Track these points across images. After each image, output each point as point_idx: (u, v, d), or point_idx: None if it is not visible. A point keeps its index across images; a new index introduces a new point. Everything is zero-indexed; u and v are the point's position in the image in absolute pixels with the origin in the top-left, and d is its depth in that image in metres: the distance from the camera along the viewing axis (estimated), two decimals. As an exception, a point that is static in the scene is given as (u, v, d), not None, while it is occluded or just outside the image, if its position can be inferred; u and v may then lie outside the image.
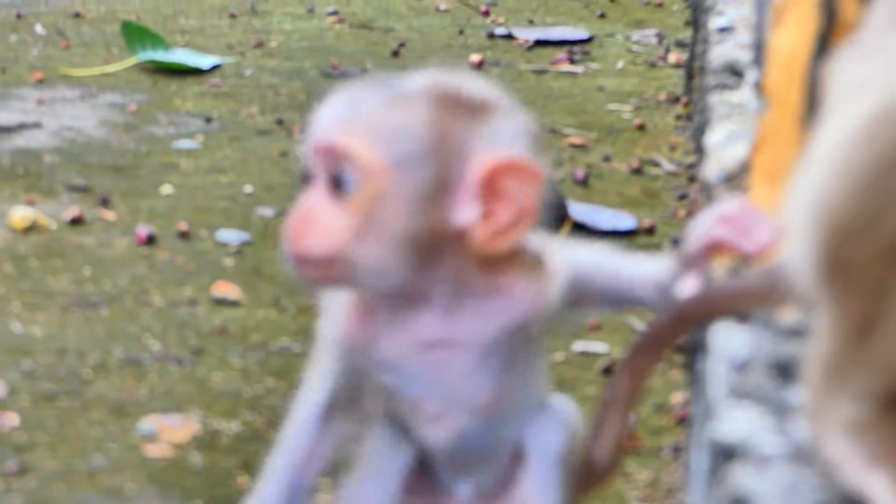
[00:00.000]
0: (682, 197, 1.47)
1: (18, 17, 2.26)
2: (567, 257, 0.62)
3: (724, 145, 1.07)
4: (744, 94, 1.27)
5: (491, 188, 0.54)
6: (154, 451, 0.91)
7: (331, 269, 0.56)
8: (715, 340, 0.62)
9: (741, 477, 0.45)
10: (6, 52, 2.05)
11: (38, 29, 2.18)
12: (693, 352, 0.75)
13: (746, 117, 1.12)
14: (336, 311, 0.62)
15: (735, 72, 1.38)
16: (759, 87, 1.05)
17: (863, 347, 0.40)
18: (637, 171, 1.56)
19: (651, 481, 0.84)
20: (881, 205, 0.37)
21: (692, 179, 1.44)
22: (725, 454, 0.48)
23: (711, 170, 1.01)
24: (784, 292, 0.47)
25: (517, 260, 0.58)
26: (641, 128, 1.75)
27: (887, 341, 0.39)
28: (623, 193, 1.48)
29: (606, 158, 1.61)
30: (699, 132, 1.44)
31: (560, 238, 1.17)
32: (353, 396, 0.63)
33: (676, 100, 1.90)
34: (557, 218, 1.31)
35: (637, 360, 0.62)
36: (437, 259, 0.56)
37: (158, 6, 2.39)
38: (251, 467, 0.74)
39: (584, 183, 1.51)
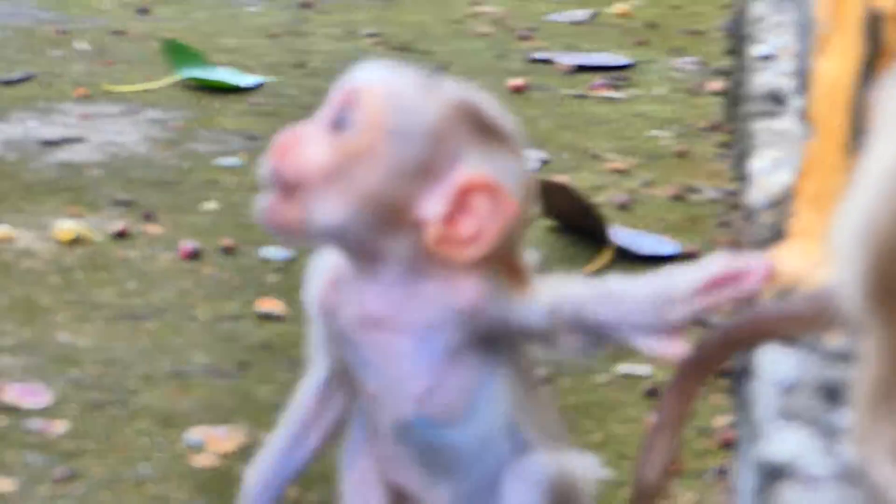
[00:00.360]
0: (724, 224, 1.47)
1: (61, 32, 2.33)
2: (560, 287, 0.63)
3: (768, 172, 1.07)
4: (787, 122, 1.27)
5: (462, 199, 0.57)
6: (200, 461, 0.93)
7: (294, 201, 0.59)
8: (761, 363, 0.62)
9: (789, 497, 0.46)
10: (49, 67, 2.11)
11: (81, 45, 2.24)
12: (739, 375, 0.75)
13: (790, 144, 1.13)
14: (316, 276, 0.65)
15: (777, 99, 1.38)
16: (803, 115, 1.05)
17: None
18: (678, 198, 1.56)
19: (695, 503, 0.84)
20: None
21: (734, 206, 1.44)
22: (773, 474, 0.48)
23: (755, 196, 1.02)
24: (832, 316, 0.47)
25: (485, 265, 0.59)
26: (682, 154, 1.76)
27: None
28: (664, 219, 1.48)
29: (647, 184, 1.61)
30: (740, 159, 1.44)
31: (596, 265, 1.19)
32: (342, 368, 0.65)
33: (717, 127, 1.90)
34: (599, 242, 1.31)
35: (684, 383, 0.62)
36: (393, 235, 0.59)
37: (199, 25, 2.45)
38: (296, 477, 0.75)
39: (625, 208, 1.51)
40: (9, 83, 2.02)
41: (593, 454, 0.71)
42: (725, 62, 2.27)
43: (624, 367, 1.04)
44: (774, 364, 0.61)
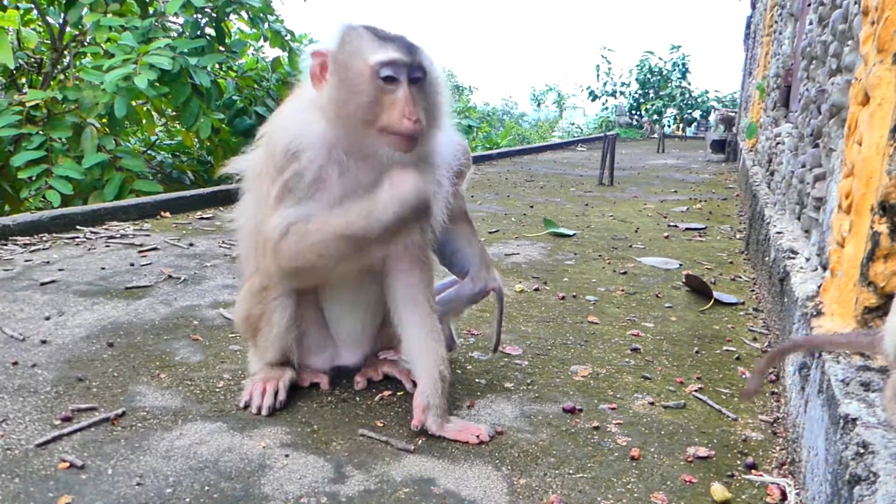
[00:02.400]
0: (752, 289, 4.59)
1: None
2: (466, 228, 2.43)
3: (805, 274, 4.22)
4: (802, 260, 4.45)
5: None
6: None
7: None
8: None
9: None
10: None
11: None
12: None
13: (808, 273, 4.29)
14: None
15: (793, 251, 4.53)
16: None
17: None
18: (734, 279, 4.70)
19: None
20: None
21: (756, 282, 4.58)
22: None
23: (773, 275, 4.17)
24: (875, 350, 1.55)
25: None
26: (731, 262, 4.93)
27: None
28: (729, 287, 4.57)
29: (720, 273, 4.75)
30: (760, 261, 4.62)
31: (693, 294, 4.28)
32: None
33: (742, 252, 5.13)
34: (708, 297, 4.40)
35: (773, 354, 2.23)
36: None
37: (551, 212, 5.78)
38: None
39: (713, 283, 4.61)
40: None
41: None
42: (743, 227, 5.62)
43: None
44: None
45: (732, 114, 15.61)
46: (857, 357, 1.74)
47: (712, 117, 20.27)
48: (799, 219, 3.42)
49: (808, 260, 2.82)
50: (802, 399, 1.99)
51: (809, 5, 3.90)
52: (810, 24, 3.64)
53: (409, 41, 2.00)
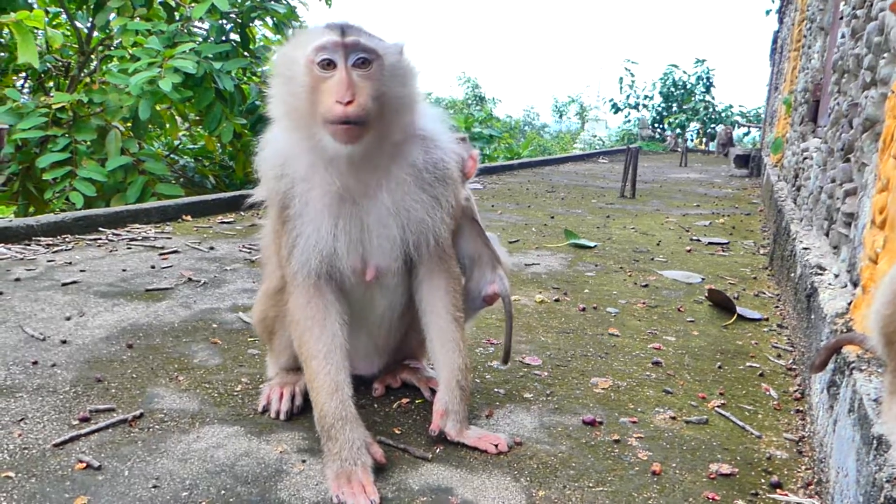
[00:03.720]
0: (776, 304, 4.53)
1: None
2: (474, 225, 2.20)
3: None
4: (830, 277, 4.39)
5: None
6: None
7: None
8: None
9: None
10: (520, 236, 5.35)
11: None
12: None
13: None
14: None
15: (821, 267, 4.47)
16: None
17: None
18: (757, 295, 4.63)
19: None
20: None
21: (779, 298, 4.52)
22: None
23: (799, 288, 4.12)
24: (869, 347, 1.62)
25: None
26: (755, 277, 4.87)
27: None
28: (752, 302, 4.52)
29: (743, 288, 4.69)
30: (785, 276, 4.55)
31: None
32: None
33: (766, 268, 5.06)
34: (731, 312, 4.34)
35: (828, 349, 1.91)
36: None
37: (572, 223, 5.78)
38: None
39: (736, 299, 4.55)
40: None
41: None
42: (767, 242, 5.55)
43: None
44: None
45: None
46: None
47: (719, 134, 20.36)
48: (827, 234, 3.37)
49: (836, 276, 2.77)
50: (831, 418, 1.94)
51: (842, 19, 3.85)
52: (842, 37, 3.59)
53: (349, 24, 1.87)
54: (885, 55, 2.36)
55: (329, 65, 1.80)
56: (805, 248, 3.52)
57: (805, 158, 5.00)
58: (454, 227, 2.23)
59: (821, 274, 2.92)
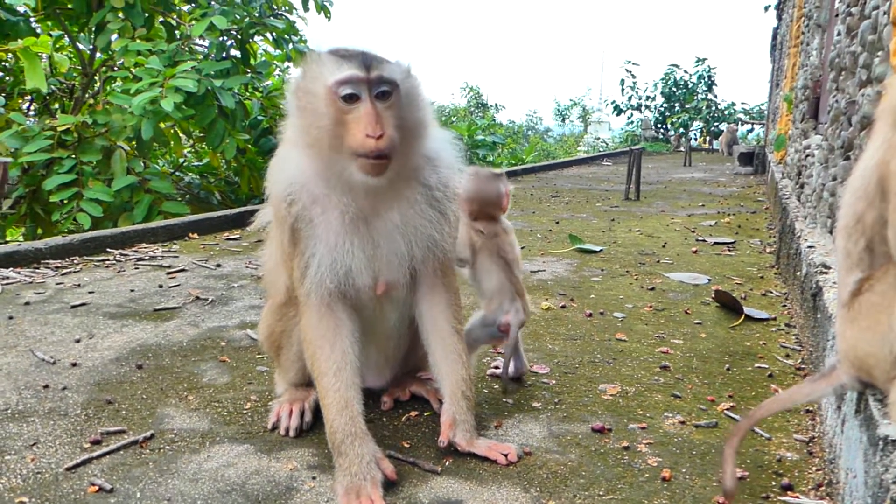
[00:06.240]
0: (784, 306, 4.52)
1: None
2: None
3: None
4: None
5: None
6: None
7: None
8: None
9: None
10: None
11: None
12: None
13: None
14: None
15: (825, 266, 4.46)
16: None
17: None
18: (764, 295, 4.62)
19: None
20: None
21: (787, 297, 4.51)
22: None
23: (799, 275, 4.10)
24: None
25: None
26: (761, 276, 4.87)
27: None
28: (760, 302, 4.52)
29: (750, 288, 4.69)
30: (791, 274, 4.54)
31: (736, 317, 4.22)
32: None
33: (772, 266, 5.05)
34: (739, 313, 4.33)
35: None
36: None
37: (576, 227, 5.78)
38: None
39: (744, 299, 4.55)
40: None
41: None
42: (773, 240, 5.53)
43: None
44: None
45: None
46: None
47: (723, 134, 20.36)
48: (831, 232, 3.36)
49: (841, 274, 2.76)
50: (839, 418, 1.94)
51: (837, 16, 3.85)
52: (838, 34, 3.59)
53: (370, 55, 1.90)
54: (879, 53, 2.36)
55: (353, 98, 1.83)
56: (810, 247, 3.52)
57: (807, 155, 4.99)
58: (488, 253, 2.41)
59: (825, 272, 2.92)
